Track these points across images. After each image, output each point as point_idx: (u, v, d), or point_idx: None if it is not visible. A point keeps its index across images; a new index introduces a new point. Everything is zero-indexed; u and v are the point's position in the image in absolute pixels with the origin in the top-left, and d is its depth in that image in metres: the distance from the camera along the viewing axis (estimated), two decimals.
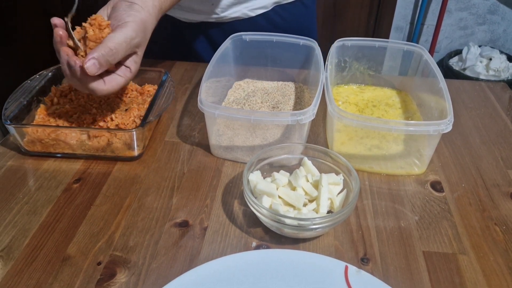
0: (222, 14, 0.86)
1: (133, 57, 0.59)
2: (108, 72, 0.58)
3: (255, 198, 0.53)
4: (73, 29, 0.57)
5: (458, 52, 2.29)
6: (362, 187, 0.61)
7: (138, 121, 0.66)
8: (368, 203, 0.59)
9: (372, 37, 2.19)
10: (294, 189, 0.56)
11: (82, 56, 0.57)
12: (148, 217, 0.56)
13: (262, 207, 0.50)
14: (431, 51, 2.27)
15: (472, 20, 2.25)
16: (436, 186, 0.62)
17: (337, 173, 0.58)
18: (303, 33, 0.78)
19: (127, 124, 0.66)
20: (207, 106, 0.60)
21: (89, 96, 0.71)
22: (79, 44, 0.57)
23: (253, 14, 0.87)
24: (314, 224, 0.49)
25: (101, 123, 0.65)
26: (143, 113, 0.68)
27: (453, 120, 0.58)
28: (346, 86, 0.81)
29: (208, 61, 0.68)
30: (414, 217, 0.57)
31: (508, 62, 2.18)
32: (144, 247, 0.52)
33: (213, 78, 0.69)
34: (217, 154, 0.66)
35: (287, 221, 0.49)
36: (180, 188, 0.61)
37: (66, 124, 0.65)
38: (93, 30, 0.55)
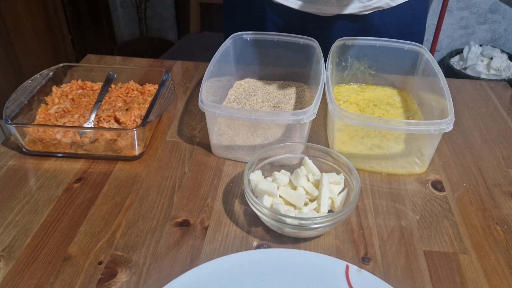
0: (368, 3, 0.81)
1: None
2: None
3: (256, 197, 0.53)
4: None
5: (459, 51, 2.29)
6: (363, 187, 0.61)
7: (139, 121, 0.66)
8: (369, 202, 0.59)
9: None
10: (295, 188, 0.56)
11: None
12: (149, 216, 0.56)
13: (263, 207, 0.50)
14: (432, 50, 2.26)
15: (473, 19, 2.25)
16: (437, 185, 0.62)
17: (338, 173, 0.58)
18: (411, 37, 0.77)
19: (128, 123, 0.66)
20: (208, 105, 0.60)
21: (89, 96, 0.71)
22: None
23: (393, 3, 0.83)
24: (315, 224, 0.49)
25: (102, 123, 0.65)
26: (144, 112, 0.68)
27: (454, 120, 0.58)
28: (347, 86, 0.81)
29: None
30: (415, 216, 0.57)
31: (509, 61, 2.18)
32: (145, 246, 0.52)
33: (214, 78, 0.69)
34: (218, 154, 0.66)
35: (288, 220, 0.49)
36: (181, 187, 0.61)
37: (67, 123, 0.65)
38: None
